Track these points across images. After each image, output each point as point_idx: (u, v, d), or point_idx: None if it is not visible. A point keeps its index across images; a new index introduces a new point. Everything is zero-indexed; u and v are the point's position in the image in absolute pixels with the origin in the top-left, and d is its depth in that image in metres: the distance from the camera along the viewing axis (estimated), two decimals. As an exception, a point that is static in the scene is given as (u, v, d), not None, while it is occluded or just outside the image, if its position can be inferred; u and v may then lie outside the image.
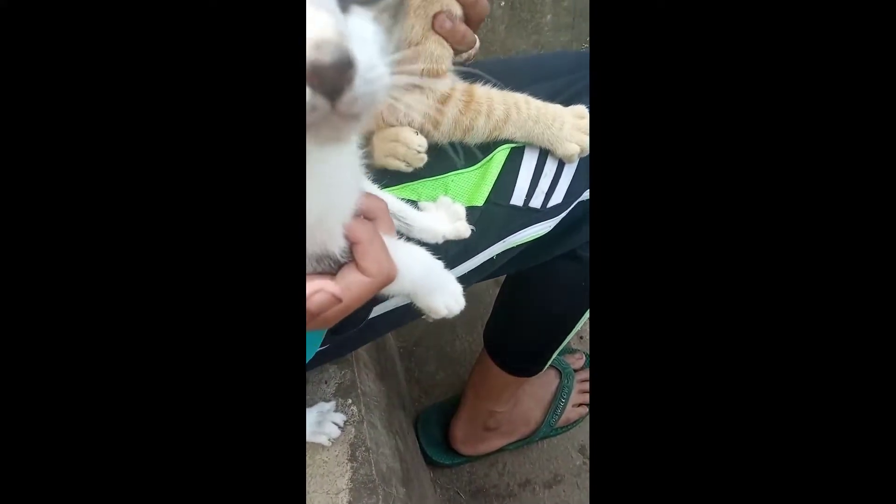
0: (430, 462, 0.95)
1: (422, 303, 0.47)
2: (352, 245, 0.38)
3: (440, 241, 0.53)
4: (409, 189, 0.56)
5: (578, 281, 0.70)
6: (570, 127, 0.55)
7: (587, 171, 0.60)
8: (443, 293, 0.48)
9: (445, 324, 1.09)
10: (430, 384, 1.05)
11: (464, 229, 0.54)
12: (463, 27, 0.52)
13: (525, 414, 0.92)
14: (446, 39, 0.52)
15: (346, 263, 0.38)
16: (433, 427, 0.95)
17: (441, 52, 0.52)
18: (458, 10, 0.51)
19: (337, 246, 0.37)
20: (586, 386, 0.98)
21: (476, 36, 0.55)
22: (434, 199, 0.55)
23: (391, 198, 0.51)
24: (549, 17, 1.42)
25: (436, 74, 0.52)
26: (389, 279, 0.39)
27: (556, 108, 0.56)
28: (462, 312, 0.49)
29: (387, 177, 0.54)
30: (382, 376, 0.78)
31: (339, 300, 0.37)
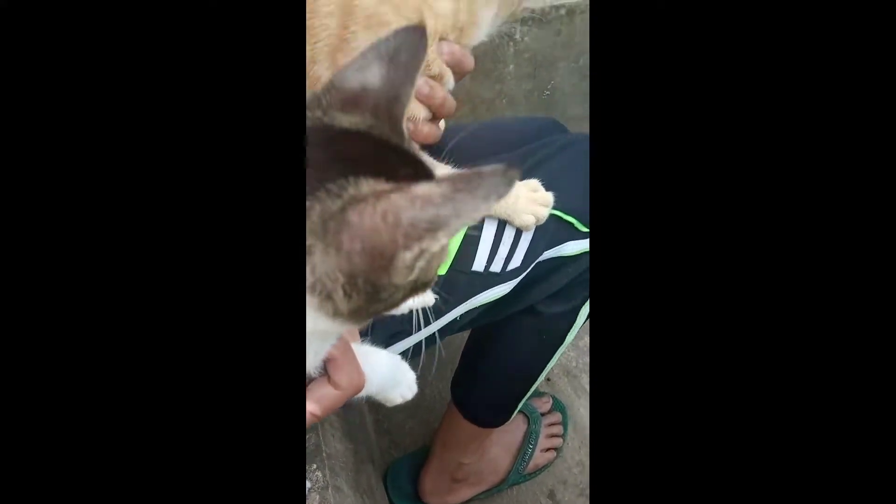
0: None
1: (380, 396, 0.51)
2: (326, 361, 0.40)
3: (406, 311, 0.53)
4: None
5: (539, 334, 0.73)
6: (525, 201, 0.58)
7: (543, 235, 0.63)
8: (400, 385, 0.52)
9: (417, 374, 1.10)
10: (399, 434, 1.05)
11: (429, 298, 0.55)
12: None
13: (493, 462, 0.92)
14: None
15: (317, 377, 0.40)
16: (402, 480, 0.94)
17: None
18: (422, 113, 0.53)
19: (313, 366, 0.39)
20: (553, 430, 0.99)
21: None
22: None
23: None
24: (511, 67, 1.48)
25: None
26: (358, 390, 0.42)
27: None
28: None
29: None
30: (349, 433, 0.78)
31: (316, 417, 0.39)
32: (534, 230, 0.62)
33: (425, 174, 0.30)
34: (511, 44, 1.44)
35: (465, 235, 0.60)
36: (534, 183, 0.60)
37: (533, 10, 1.41)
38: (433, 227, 0.25)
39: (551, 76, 1.54)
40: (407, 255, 0.26)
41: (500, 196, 0.25)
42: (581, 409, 1.05)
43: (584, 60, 1.54)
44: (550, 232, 0.63)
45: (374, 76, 0.32)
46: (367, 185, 0.27)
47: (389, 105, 0.32)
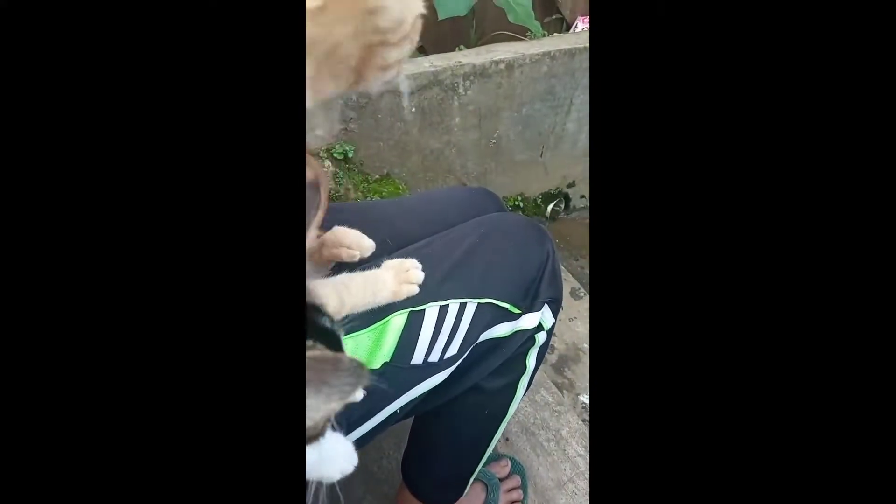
0: None
1: (315, 474, 0.49)
2: None
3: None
4: None
5: (482, 409, 0.75)
6: (392, 283, 0.59)
7: (481, 321, 0.64)
8: (336, 459, 0.50)
9: (372, 443, 1.09)
10: (359, 509, 1.03)
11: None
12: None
13: (454, 537, 0.92)
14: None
15: None
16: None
17: None
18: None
19: None
20: (513, 495, 1.00)
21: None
22: None
23: None
24: (457, 119, 1.51)
25: None
26: None
27: (376, 273, 0.60)
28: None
29: None
30: None
31: None
32: (472, 315, 0.63)
33: None
34: (455, 97, 1.47)
35: (404, 330, 0.60)
36: (409, 263, 0.62)
37: (474, 66, 1.44)
38: None
39: (496, 126, 1.57)
40: None
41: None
42: (540, 469, 1.06)
43: (526, 110, 1.58)
44: (487, 317, 0.65)
45: None
46: None
47: None
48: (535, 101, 1.57)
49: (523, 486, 1.01)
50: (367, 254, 0.62)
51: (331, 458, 0.50)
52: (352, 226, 0.65)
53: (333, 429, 0.50)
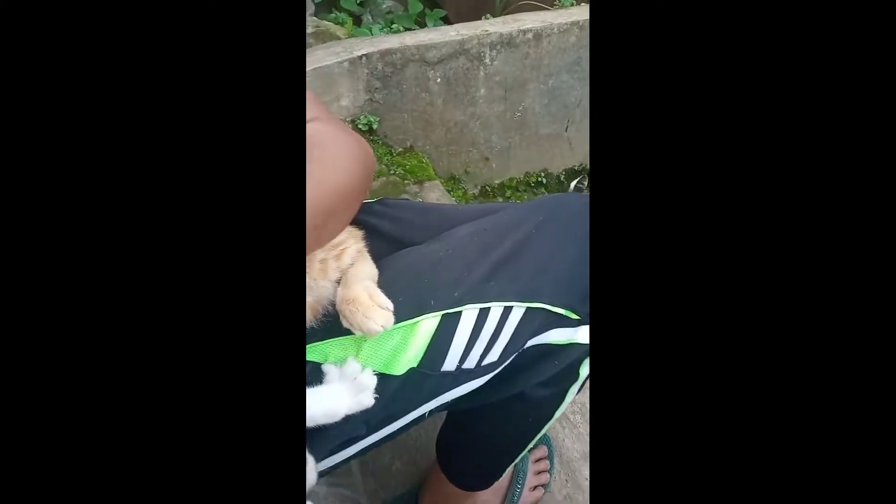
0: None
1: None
2: None
3: (338, 419, 0.49)
4: (316, 351, 0.52)
5: (525, 416, 0.67)
6: (364, 308, 0.50)
7: (529, 326, 0.55)
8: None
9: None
10: (385, 476, 1.04)
11: (367, 400, 0.50)
12: None
13: (482, 505, 0.92)
14: None
15: None
16: (391, 528, 0.93)
17: None
18: None
19: None
20: (540, 465, 0.99)
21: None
22: (342, 362, 0.51)
23: None
24: (482, 90, 1.48)
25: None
26: None
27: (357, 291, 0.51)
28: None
29: None
30: (335, 475, 0.77)
31: None
32: (517, 323, 0.54)
33: None
34: (482, 67, 1.44)
35: (435, 335, 0.53)
36: (371, 286, 0.52)
37: (501, 35, 1.41)
38: None
39: (522, 98, 1.54)
40: None
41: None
42: (566, 441, 1.05)
43: (553, 82, 1.55)
44: (536, 323, 0.56)
45: None
46: None
47: None
48: (563, 73, 1.54)
49: (550, 457, 1.00)
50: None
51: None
52: (412, 226, 0.60)
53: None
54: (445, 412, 0.78)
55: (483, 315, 0.54)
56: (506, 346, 0.55)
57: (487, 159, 1.63)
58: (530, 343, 0.57)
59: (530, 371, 0.60)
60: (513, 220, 0.58)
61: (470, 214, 0.64)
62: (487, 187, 1.69)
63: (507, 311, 0.54)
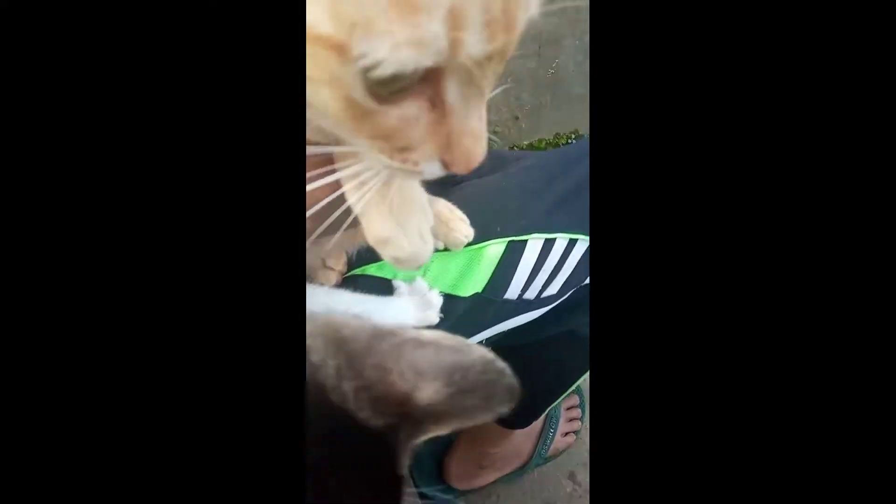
0: (423, 497, 0.96)
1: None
2: None
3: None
4: (386, 268, 0.53)
5: (574, 358, 0.68)
6: (452, 222, 0.52)
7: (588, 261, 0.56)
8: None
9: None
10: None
11: (433, 317, 0.51)
12: None
13: (517, 448, 0.94)
14: None
15: None
16: (427, 464, 0.96)
17: None
18: None
19: None
20: (572, 413, 1.01)
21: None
22: (412, 279, 0.52)
23: (353, 298, 0.48)
24: (516, 45, 1.46)
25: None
26: None
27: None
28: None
29: (365, 255, 0.51)
30: None
31: None
32: (580, 256, 0.55)
33: None
34: (516, 21, 1.41)
35: (501, 260, 0.53)
36: (450, 204, 0.53)
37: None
38: None
39: (556, 54, 1.51)
40: None
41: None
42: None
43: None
44: None
45: None
46: None
47: None
48: (599, 29, 1.50)
49: (581, 405, 1.02)
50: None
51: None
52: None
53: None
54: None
55: (548, 246, 0.54)
56: (566, 280, 0.56)
57: (517, 118, 1.62)
58: (588, 280, 0.58)
59: (584, 309, 0.60)
60: (577, 155, 0.59)
61: (519, 154, 0.64)
62: (516, 147, 1.68)
63: (572, 243, 0.55)
